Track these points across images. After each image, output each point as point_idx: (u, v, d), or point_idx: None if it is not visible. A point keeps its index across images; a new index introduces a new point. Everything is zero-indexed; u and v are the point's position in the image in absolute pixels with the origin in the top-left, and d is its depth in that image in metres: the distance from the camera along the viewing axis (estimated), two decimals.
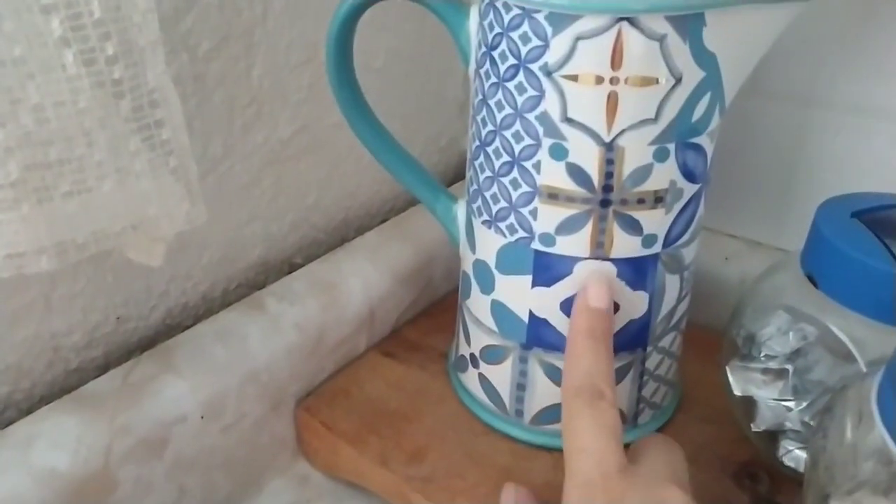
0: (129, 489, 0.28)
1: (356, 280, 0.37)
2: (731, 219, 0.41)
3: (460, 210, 0.32)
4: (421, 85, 0.43)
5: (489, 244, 0.30)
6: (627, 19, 0.23)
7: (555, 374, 0.30)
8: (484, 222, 0.30)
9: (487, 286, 0.31)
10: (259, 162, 0.35)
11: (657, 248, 0.28)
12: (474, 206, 0.30)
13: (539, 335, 0.30)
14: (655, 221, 0.27)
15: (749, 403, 0.31)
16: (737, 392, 0.32)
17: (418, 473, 0.31)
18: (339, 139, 0.39)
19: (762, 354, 0.31)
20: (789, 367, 0.30)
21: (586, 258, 0.28)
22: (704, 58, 0.25)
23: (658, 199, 0.27)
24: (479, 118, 0.28)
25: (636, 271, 0.28)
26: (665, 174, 0.26)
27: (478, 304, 0.31)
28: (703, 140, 0.27)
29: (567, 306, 0.29)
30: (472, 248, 0.31)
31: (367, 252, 0.39)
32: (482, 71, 0.28)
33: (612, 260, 0.28)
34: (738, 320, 0.32)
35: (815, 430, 0.23)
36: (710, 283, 0.39)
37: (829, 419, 0.22)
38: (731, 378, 0.32)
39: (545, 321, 0.29)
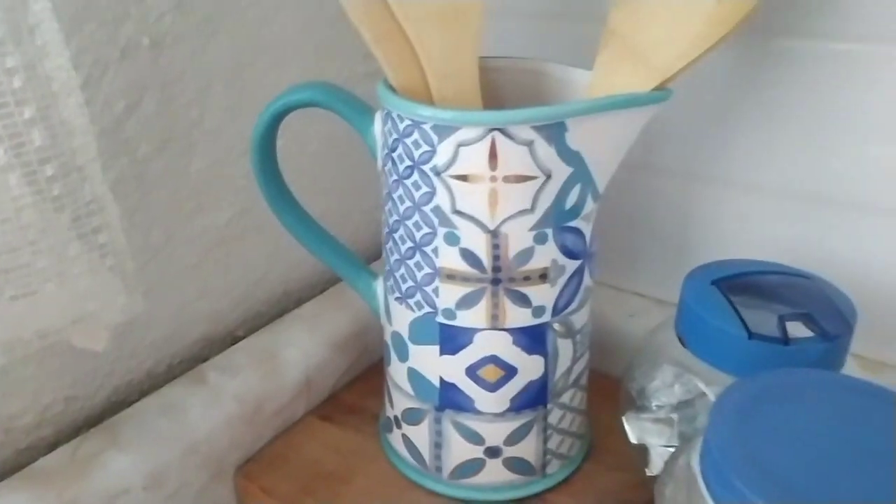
0: None
1: (294, 350, 0.41)
2: (636, 279, 0.45)
3: (379, 286, 0.36)
4: (351, 169, 0.47)
5: (402, 318, 0.33)
6: (499, 129, 0.28)
7: (466, 433, 0.33)
8: (396, 298, 0.33)
9: (403, 355, 0.34)
10: (201, 246, 0.39)
11: (547, 317, 0.32)
12: (388, 283, 0.34)
13: (449, 398, 0.33)
14: (542, 295, 0.31)
15: (644, 450, 0.35)
16: (632, 440, 0.35)
17: None
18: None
19: (653, 405, 0.35)
20: (674, 416, 0.34)
21: (484, 329, 0.31)
22: (570, 156, 0.29)
23: (542, 275, 0.31)
24: (387, 208, 0.32)
25: (530, 338, 0.32)
26: (546, 254, 0.30)
27: (397, 371, 0.35)
28: (579, 223, 0.31)
29: (472, 372, 0.32)
30: (390, 320, 0.35)
31: (305, 322, 0.43)
32: (386, 168, 0.32)
33: (507, 329, 0.31)
34: (631, 374, 0.36)
35: (660, 483, 0.26)
36: (617, 338, 0.43)
37: (667, 478, 0.25)
38: (627, 427, 0.36)
39: (454, 385, 0.33)
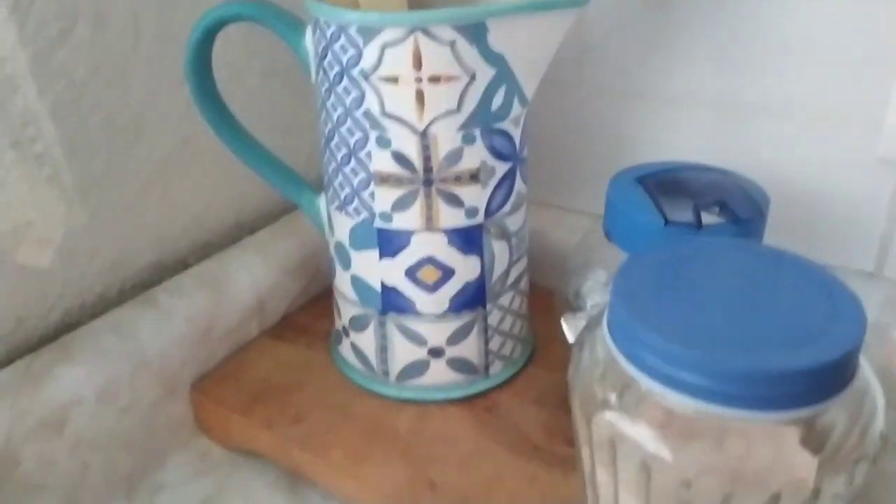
0: (32, 466, 0.32)
1: (244, 274, 0.42)
2: (574, 196, 0.47)
3: (321, 201, 0.37)
4: (293, 101, 0.48)
5: (343, 226, 0.34)
6: (421, 30, 0.29)
7: (410, 335, 0.35)
8: (336, 207, 0.34)
9: (346, 263, 0.35)
10: (143, 176, 0.39)
11: (479, 219, 0.33)
12: (328, 194, 0.35)
13: (391, 301, 0.34)
14: (474, 196, 0.32)
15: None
16: (570, 340, 0.37)
17: (298, 433, 0.35)
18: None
19: (588, 305, 0.37)
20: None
21: (420, 230, 0.32)
22: (493, 58, 0.30)
23: (473, 176, 0.32)
24: (322, 119, 0.33)
25: (464, 239, 0.33)
26: (475, 155, 0.32)
27: (342, 280, 0.36)
28: (507, 126, 0.32)
29: (411, 274, 0.34)
30: (332, 231, 0.36)
31: (256, 248, 0.43)
32: (318, 79, 0.32)
33: (442, 230, 0.33)
34: (566, 279, 0.38)
35: (577, 344, 0.28)
36: (558, 254, 0.44)
37: (587, 335, 0.27)
38: (565, 328, 0.37)
39: (394, 288, 0.34)
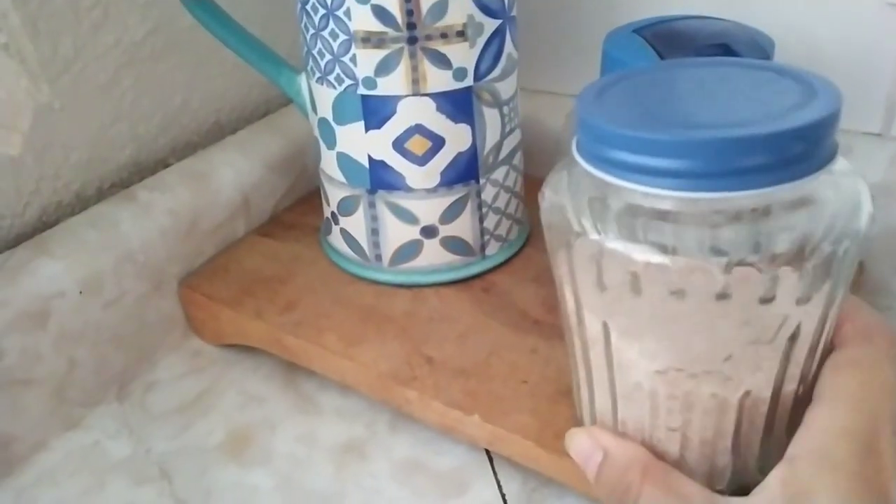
0: (15, 358, 0.31)
1: (227, 169, 0.40)
2: (566, 80, 0.45)
3: (303, 81, 0.35)
4: None
5: (325, 99, 0.32)
6: None
7: (401, 213, 0.33)
8: (317, 80, 0.32)
9: (331, 141, 0.33)
10: (114, 63, 0.37)
11: (469, 81, 0.31)
12: (308, 68, 0.33)
13: (380, 177, 0.33)
14: (461, 55, 0.30)
15: None
16: None
17: (289, 320, 0.34)
18: (198, 41, 0.41)
19: None
20: None
21: (406, 95, 0.31)
22: None
23: (459, 33, 0.30)
24: None
25: (453, 105, 0.31)
26: (462, 9, 0.29)
27: (328, 162, 0.34)
28: None
29: (398, 145, 0.32)
30: (315, 108, 0.34)
31: (238, 146, 0.42)
32: None
33: (430, 95, 0.31)
34: (560, 153, 0.36)
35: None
36: (552, 139, 0.43)
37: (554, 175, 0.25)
38: None
39: (383, 162, 0.32)
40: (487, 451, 0.31)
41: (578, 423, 0.27)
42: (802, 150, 0.19)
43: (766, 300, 0.20)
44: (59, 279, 0.32)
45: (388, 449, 0.31)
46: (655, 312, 0.21)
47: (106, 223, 0.35)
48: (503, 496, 0.29)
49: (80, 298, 0.33)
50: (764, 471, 0.22)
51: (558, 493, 0.29)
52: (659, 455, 0.23)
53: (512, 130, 0.34)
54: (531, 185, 0.38)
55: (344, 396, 0.34)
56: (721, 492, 0.23)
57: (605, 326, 0.22)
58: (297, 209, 0.43)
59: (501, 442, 0.28)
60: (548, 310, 0.33)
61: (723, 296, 0.20)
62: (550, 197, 0.23)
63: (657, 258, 0.20)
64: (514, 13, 0.32)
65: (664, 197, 0.20)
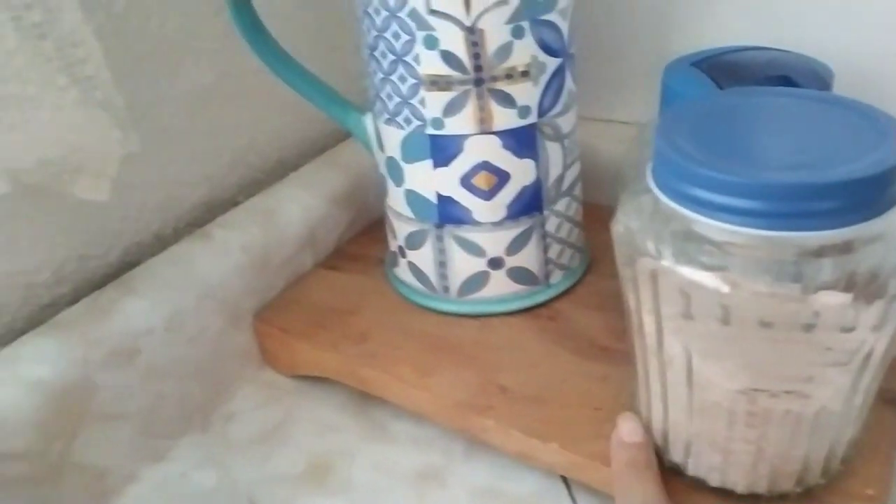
0: (109, 394, 0.32)
1: (294, 205, 0.41)
2: (621, 108, 0.46)
3: (368, 121, 0.37)
4: (330, 21, 0.47)
5: (393, 139, 0.34)
6: None
7: (468, 246, 0.35)
8: (386, 121, 0.34)
9: (399, 178, 0.35)
10: (188, 108, 0.39)
11: (533, 118, 0.32)
12: (376, 109, 0.34)
13: (448, 212, 0.34)
14: (526, 94, 0.32)
15: None
16: None
17: (363, 351, 0.35)
18: (261, 84, 0.43)
19: None
20: None
21: (473, 134, 0.32)
22: None
23: (524, 73, 0.31)
24: (364, 27, 0.33)
25: (518, 141, 0.32)
26: (525, 50, 0.31)
27: (395, 198, 0.36)
28: (555, 17, 0.31)
29: (466, 181, 0.33)
30: (382, 147, 0.35)
31: (303, 181, 0.43)
32: None
33: (496, 133, 0.32)
34: (621, 181, 0.37)
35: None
36: (610, 168, 0.43)
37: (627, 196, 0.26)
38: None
39: (450, 198, 0.34)
40: (563, 477, 0.32)
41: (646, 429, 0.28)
42: (883, 193, 0.20)
43: (848, 329, 0.21)
44: (146, 317, 0.34)
45: (464, 476, 0.32)
46: (742, 340, 0.21)
47: (185, 262, 0.37)
48: None
49: (166, 335, 0.35)
50: (826, 474, 0.24)
51: None
52: (733, 464, 0.24)
53: (573, 162, 0.35)
54: (588, 211, 0.39)
55: (417, 425, 0.35)
56: (786, 494, 0.24)
57: (687, 350, 0.23)
58: (360, 241, 0.44)
59: (579, 468, 0.29)
60: (615, 337, 0.34)
61: (809, 326, 0.21)
62: (626, 226, 0.24)
63: (747, 291, 0.20)
64: (572, 50, 0.33)
65: (746, 235, 0.21)
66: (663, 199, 0.22)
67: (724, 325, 0.21)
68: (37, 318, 0.34)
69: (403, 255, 0.37)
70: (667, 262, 0.22)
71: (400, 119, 0.33)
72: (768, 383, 0.22)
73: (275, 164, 0.46)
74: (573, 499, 0.31)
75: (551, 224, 0.35)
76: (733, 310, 0.21)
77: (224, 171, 0.42)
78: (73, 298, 0.36)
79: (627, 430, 0.28)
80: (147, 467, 0.34)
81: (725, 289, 0.21)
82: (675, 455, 0.26)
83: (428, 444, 0.34)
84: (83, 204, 0.35)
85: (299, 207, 0.42)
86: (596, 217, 0.39)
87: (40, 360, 0.31)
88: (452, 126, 0.32)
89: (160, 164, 0.38)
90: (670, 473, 0.27)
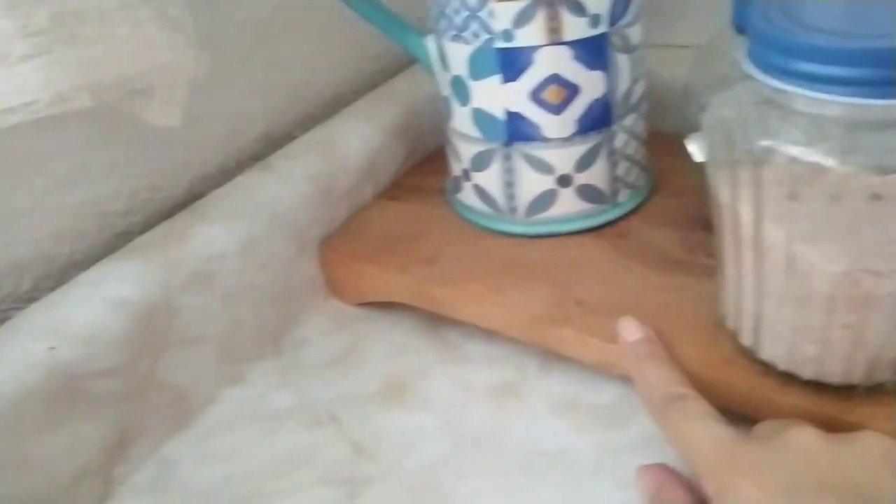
0: (189, 316, 0.33)
1: (353, 137, 0.41)
2: (680, 31, 0.45)
3: (430, 43, 0.36)
4: None
5: (460, 56, 0.33)
6: None
7: (537, 164, 0.34)
8: (452, 38, 0.33)
9: (465, 97, 0.34)
10: (246, 40, 0.39)
11: (604, 27, 0.32)
12: (440, 27, 0.34)
13: (516, 129, 0.34)
14: (596, 1, 0.31)
15: None
16: (698, 158, 0.36)
17: (434, 272, 0.35)
18: (316, 18, 0.43)
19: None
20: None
21: (543, 45, 0.31)
22: None
23: None
24: None
25: (589, 52, 0.32)
26: None
27: (460, 119, 0.35)
28: None
29: (535, 96, 0.33)
30: (447, 66, 0.35)
31: (359, 114, 0.43)
32: None
33: (567, 43, 0.31)
34: (688, 98, 0.36)
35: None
36: (670, 93, 0.43)
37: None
38: (691, 148, 0.36)
39: (519, 114, 0.33)
40: None
41: (735, 336, 0.27)
42: None
43: None
44: (221, 242, 0.34)
45: (542, 389, 0.33)
46: (849, 217, 0.21)
47: (253, 190, 0.37)
48: None
49: (239, 259, 0.35)
50: None
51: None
52: (829, 353, 0.24)
53: (640, 77, 0.35)
54: (649, 139, 0.39)
55: (489, 344, 0.35)
56: (882, 385, 0.25)
57: (789, 236, 0.22)
58: (418, 173, 0.44)
59: None
60: (688, 251, 0.34)
61: None
62: (720, 117, 0.24)
63: (856, 164, 0.20)
64: None
65: (853, 106, 0.20)
66: (764, 79, 0.22)
67: (832, 202, 0.21)
68: (111, 245, 0.35)
69: (468, 179, 0.37)
70: (770, 143, 0.22)
71: (467, 34, 0.32)
72: (873, 262, 0.22)
73: (329, 99, 0.45)
74: None
75: (619, 140, 0.35)
76: (842, 185, 0.21)
77: (282, 106, 0.42)
78: (145, 228, 0.36)
79: (628, 329, 0.29)
80: (226, 389, 0.35)
81: (832, 163, 0.20)
82: (767, 351, 0.26)
83: (502, 361, 0.34)
84: (153, 134, 0.35)
85: (358, 139, 0.41)
86: (657, 144, 0.39)
87: (124, 282, 0.31)
88: (522, 38, 0.31)
89: (222, 96, 0.39)
90: (761, 371, 0.27)
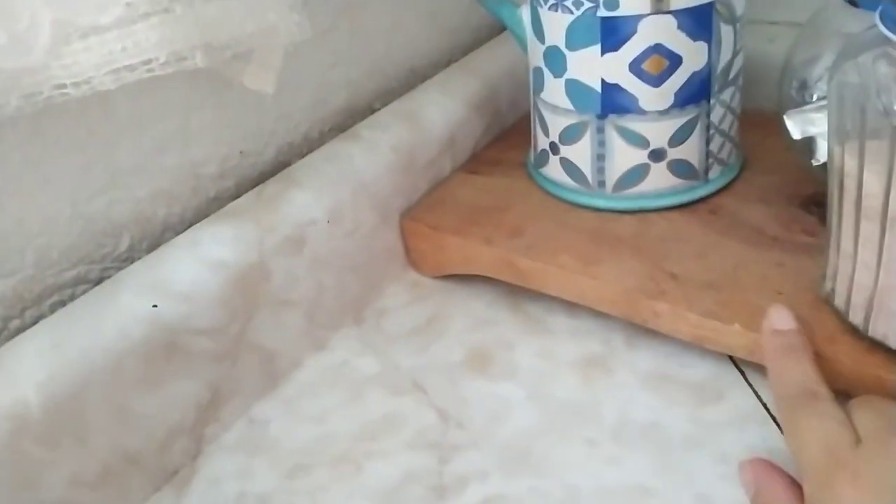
0: (280, 279, 0.33)
1: (434, 108, 0.41)
2: (772, 8, 0.44)
3: (524, 12, 0.36)
4: None
5: (557, 26, 0.33)
6: None
7: (630, 137, 0.34)
8: (550, 7, 0.33)
9: (559, 68, 0.34)
10: (332, 8, 0.39)
11: None
12: None
13: (613, 101, 0.33)
14: None
15: (808, 142, 0.35)
16: (796, 135, 0.35)
17: (520, 244, 0.35)
18: None
19: (815, 97, 0.35)
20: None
21: (648, 14, 0.31)
22: None
23: None
24: None
25: (695, 21, 0.31)
26: None
27: (553, 90, 0.35)
28: None
29: (635, 66, 0.32)
30: (542, 38, 0.35)
31: (440, 87, 0.43)
32: None
33: (672, 12, 0.31)
34: (788, 75, 0.35)
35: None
36: (760, 69, 0.42)
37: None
38: (789, 123, 0.35)
39: (616, 86, 0.33)
40: (735, 364, 0.31)
41: (843, 313, 0.27)
42: None
43: None
44: (311, 208, 0.35)
45: (630, 363, 0.32)
46: None
47: (341, 158, 0.37)
48: (763, 404, 0.29)
49: (328, 227, 0.35)
50: None
51: None
52: None
53: (741, 49, 0.34)
54: (741, 116, 0.38)
55: (573, 318, 0.35)
56: None
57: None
58: (497, 146, 0.44)
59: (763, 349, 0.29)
60: (785, 227, 0.33)
61: None
62: (846, 84, 0.23)
63: None
64: None
65: None
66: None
67: None
68: (204, 209, 0.36)
69: (555, 152, 0.37)
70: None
71: (569, 3, 0.32)
72: None
73: (408, 72, 0.45)
74: (749, 382, 0.30)
75: (716, 114, 0.34)
76: None
77: (363, 77, 0.42)
78: (236, 193, 0.37)
79: (779, 317, 0.28)
80: (311, 354, 0.36)
81: None
82: (878, 328, 0.26)
83: (587, 335, 0.34)
84: (245, 99, 0.36)
85: (440, 110, 0.41)
86: (747, 121, 0.38)
87: (222, 244, 0.32)
88: (627, 6, 0.31)
89: (309, 65, 0.39)
90: (868, 349, 0.26)
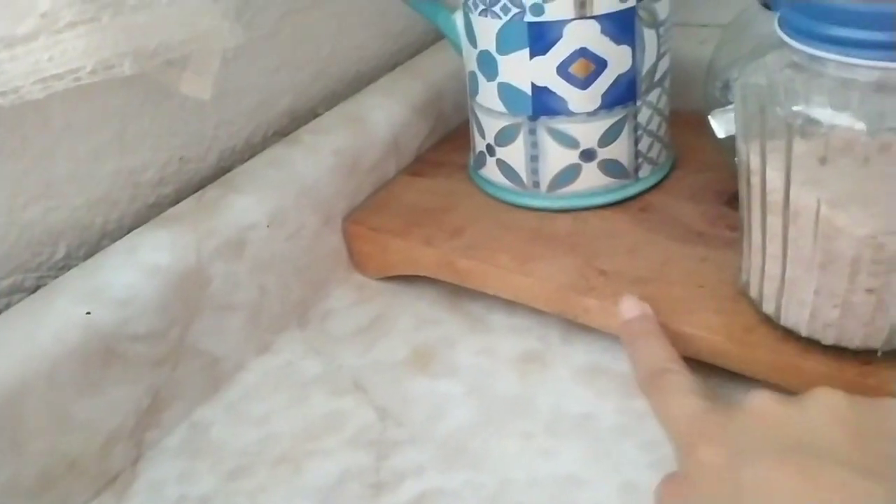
0: (220, 284, 0.34)
1: (378, 112, 0.42)
2: (699, 11, 0.45)
3: (458, 18, 0.37)
4: None
5: (488, 31, 0.34)
6: None
7: (561, 138, 0.35)
8: (481, 13, 0.34)
9: (492, 72, 0.35)
10: (274, 14, 0.40)
11: (632, 1, 0.32)
12: (470, 2, 0.34)
13: (543, 103, 0.34)
14: None
15: (734, 141, 0.36)
16: (720, 134, 0.36)
17: (460, 245, 0.36)
18: None
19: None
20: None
21: (573, 19, 0.32)
22: None
23: None
24: None
25: (618, 26, 0.32)
26: None
27: (486, 94, 0.36)
28: None
29: (563, 70, 0.33)
30: (474, 42, 0.35)
31: (384, 90, 0.44)
32: None
33: (596, 17, 0.32)
34: (712, 75, 0.37)
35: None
36: (691, 69, 0.43)
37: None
38: (714, 123, 0.37)
39: (546, 88, 0.34)
40: None
41: (757, 304, 0.28)
42: None
43: None
44: (251, 212, 0.35)
45: (565, 357, 0.33)
46: (877, 182, 0.22)
47: (281, 163, 0.38)
48: None
49: (269, 231, 0.36)
50: None
51: (744, 388, 0.30)
52: (851, 318, 0.25)
53: (665, 52, 0.35)
54: (672, 116, 0.39)
55: (512, 315, 0.36)
56: None
57: (817, 200, 0.23)
58: (440, 149, 0.45)
59: (687, 341, 0.30)
60: (710, 223, 0.34)
61: None
62: (751, 83, 0.25)
63: (888, 126, 0.21)
64: None
65: (886, 70, 0.21)
66: (796, 45, 0.22)
67: (861, 166, 0.21)
68: (143, 216, 0.36)
69: (492, 154, 0.38)
70: (801, 108, 0.22)
71: (497, 8, 0.33)
72: None
73: (353, 76, 0.46)
74: None
75: (643, 115, 0.35)
76: (874, 148, 0.21)
77: (307, 81, 0.43)
78: (177, 199, 0.37)
79: (627, 306, 0.30)
80: (254, 357, 0.36)
81: (862, 126, 0.21)
82: (789, 317, 0.27)
83: (525, 332, 0.35)
84: (184, 105, 0.36)
85: (384, 114, 0.42)
86: (679, 122, 0.39)
87: (159, 249, 0.32)
88: (552, 11, 0.32)
89: (250, 69, 0.39)
90: (782, 338, 0.28)
